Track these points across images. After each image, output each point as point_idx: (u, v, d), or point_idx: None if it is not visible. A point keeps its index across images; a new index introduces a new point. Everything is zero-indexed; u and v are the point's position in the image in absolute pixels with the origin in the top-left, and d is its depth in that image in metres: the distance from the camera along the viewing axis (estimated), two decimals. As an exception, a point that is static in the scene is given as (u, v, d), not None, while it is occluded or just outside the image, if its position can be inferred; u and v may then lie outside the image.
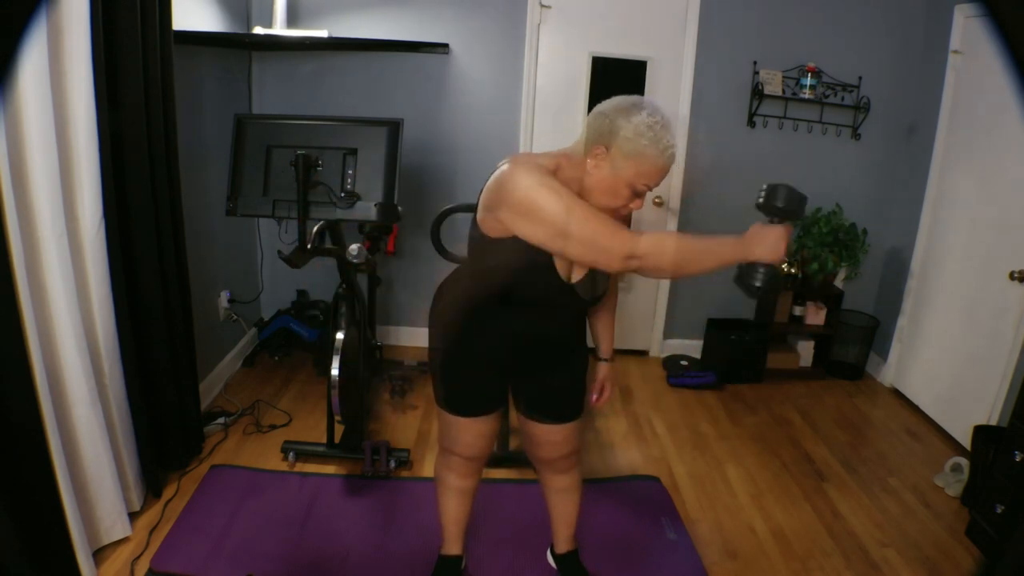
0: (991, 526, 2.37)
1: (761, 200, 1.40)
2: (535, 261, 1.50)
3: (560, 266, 1.53)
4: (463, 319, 1.69)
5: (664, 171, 1.44)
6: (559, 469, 1.95)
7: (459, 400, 1.79)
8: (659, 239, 1.44)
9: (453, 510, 2.00)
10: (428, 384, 3.58)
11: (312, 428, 2.97)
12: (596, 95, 3.62)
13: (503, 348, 1.69)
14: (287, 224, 2.46)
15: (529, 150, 3.65)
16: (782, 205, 1.38)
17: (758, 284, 1.39)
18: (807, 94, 3.55)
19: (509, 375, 1.81)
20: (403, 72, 3.55)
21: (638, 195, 1.47)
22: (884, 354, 3.86)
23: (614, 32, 3.54)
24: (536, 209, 1.41)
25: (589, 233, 1.40)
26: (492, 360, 1.72)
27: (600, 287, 1.64)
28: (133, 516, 2.25)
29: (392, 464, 2.62)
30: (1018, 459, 2.30)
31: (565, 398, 1.83)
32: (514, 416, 2.11)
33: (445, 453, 1.93)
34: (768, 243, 1.37)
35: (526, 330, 1.65)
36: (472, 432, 1.82)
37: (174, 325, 2.47)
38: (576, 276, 1.57)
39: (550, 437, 1.86)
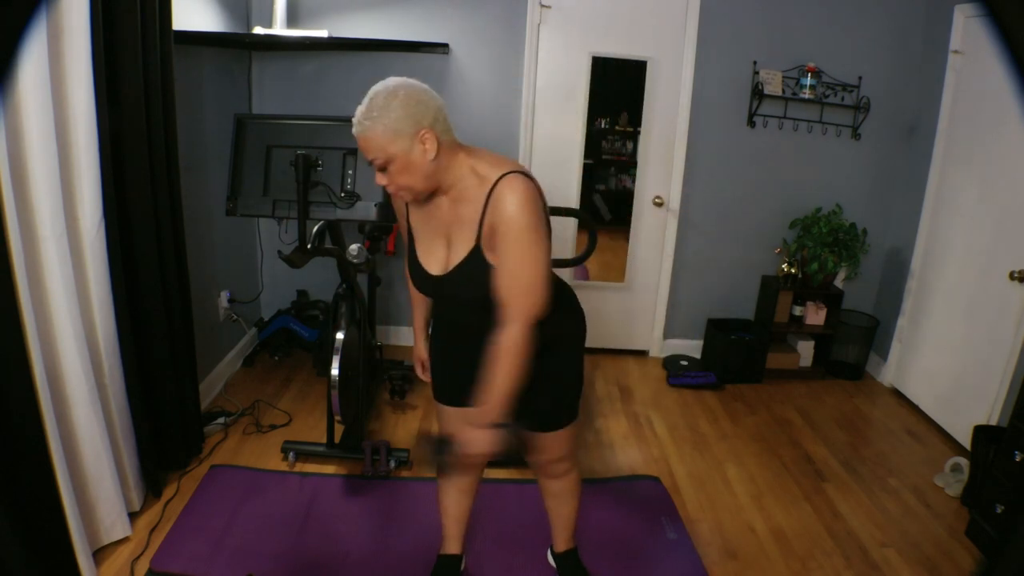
0: (991, 526, 2.37)
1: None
2: (411, 257, 1.62)
3: (423, 258, 1.59)
4: (434, 313, 1.89)
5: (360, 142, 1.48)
6: (550, 474, 1.95)
7: (438, 388, 1.89)
8: (513, 348, 1.47)
9: (452, 507, 2.02)
10: (428, 384, 3.59)
11: (312, 428, 2.97)
12: (596, 95, 3.62)
13: (449, 340, 1.82)
14: (287, 224, 2.46)
15: (529, 150, 3.66)
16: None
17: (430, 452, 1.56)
18: (807, 94, 3.55)
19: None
20: (403, 72, 3.49)
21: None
22: (884, 354, 3.86)
23: (614, 32, 3.55)
24: (529, 249, 1.46)
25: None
26: (448, 352, 1.84)
27: (472, 288, 1.54)
28: (133, 516, 2.25)
29: (392, 464, 2.63)
30: (1018, 459, 2.30)
31: (540, 406, 1.73)
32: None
33: None
34: (472, 435, 1.50)
35: (458, 323, 1.75)
36: (456, 421, 1.80)
37: (174, 325, 2.48)
38: (443, 268, 1.57)
39: (534, 443, 1.85)
